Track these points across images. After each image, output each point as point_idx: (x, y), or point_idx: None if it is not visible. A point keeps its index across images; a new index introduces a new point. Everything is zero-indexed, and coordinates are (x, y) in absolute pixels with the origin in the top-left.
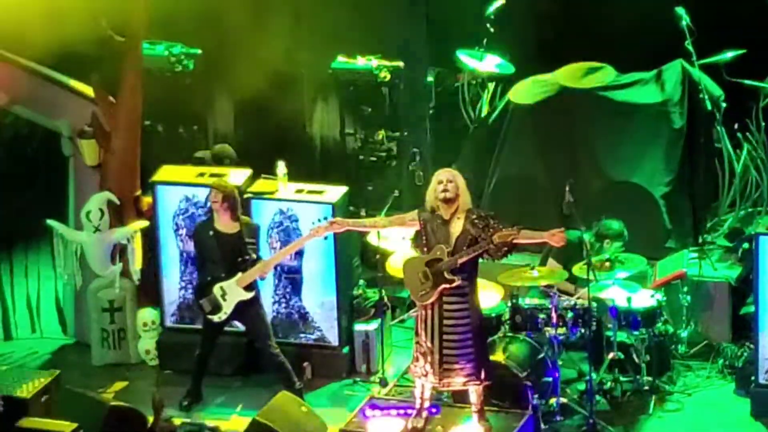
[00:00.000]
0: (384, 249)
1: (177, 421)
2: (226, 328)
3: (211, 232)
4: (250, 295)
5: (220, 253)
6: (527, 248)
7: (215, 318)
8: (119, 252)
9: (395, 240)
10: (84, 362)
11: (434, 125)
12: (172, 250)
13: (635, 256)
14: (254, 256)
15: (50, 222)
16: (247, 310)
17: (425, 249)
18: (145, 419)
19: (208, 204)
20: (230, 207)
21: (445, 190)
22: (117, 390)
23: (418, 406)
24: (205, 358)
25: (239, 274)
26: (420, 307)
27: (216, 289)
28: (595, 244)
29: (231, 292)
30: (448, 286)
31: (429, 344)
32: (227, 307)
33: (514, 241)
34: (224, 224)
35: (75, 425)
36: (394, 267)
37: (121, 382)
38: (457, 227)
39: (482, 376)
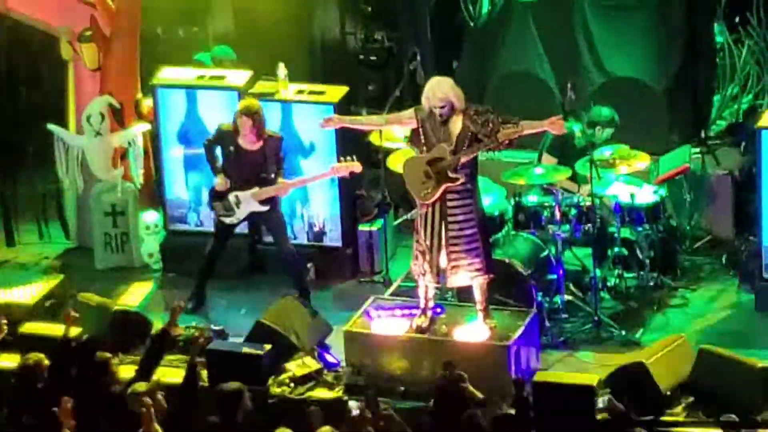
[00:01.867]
0: (387, 148)
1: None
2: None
3: (232, 148)
4: (265, 208)
5: (238, 169)
6: (527, 146)
7: (227, 220)
8: (120, 156)
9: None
10: (87, 266)
11: (435, 23)
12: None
13: (638, 151)
14: (272, 175)
15: (51, 126)
16: (264, 214)
17: (424, 148)
18: (150, 323)
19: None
20: (257, 127)
21: (440, 115)
22: (121, 294)
23: (422, 305)
24: (213, 259)
25: (256, 188)
26: (421, 205)
27: (231, 197)
28: (586, 131)
29: (245, 202)
30: (451, 184)
31: (428, 242)
32: (240, 214)
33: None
34: (248, 141)
35: (79, 329)
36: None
37: (125, 286)
38: (456, 125)
39: (488, 270)
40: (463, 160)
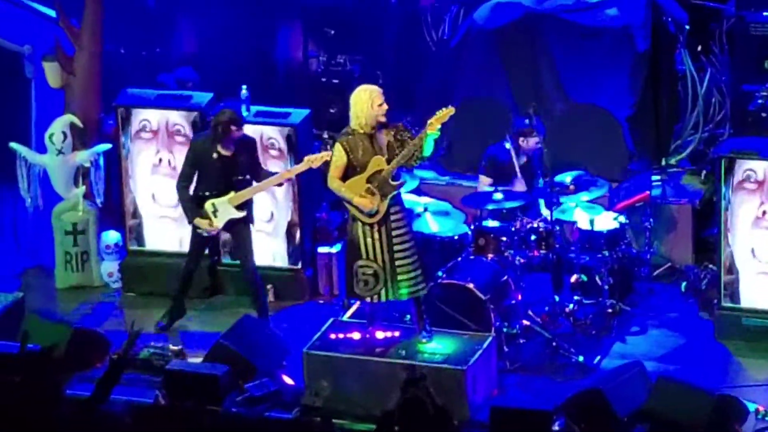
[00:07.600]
0: None
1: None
2: None
3: (215, 155)
4: (242, 214)
5: (219, 175)
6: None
7: (204, 232)
8: (82, 175)
9: None
10: (47, 285)
11: (397, 47)
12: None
13: (598, 178)
14: (248, 176)
15: (13, 145)
16: (237, 224)
17: (358, 170)
18: (109, 343)
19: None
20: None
21: (383, 116)
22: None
23: (373, 325)
24: (191, 273)
25: (232, 193)
26: (368, 228)
27: (207, 206)
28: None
29: (222, 210)
30: (395, 191)
31: (381, 261)
32: (218, 223)
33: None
34: (226, 147)
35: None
36: None
37: (85, 305)
38: (382, 138)
39: (427, 281)
40: (399, 165)
